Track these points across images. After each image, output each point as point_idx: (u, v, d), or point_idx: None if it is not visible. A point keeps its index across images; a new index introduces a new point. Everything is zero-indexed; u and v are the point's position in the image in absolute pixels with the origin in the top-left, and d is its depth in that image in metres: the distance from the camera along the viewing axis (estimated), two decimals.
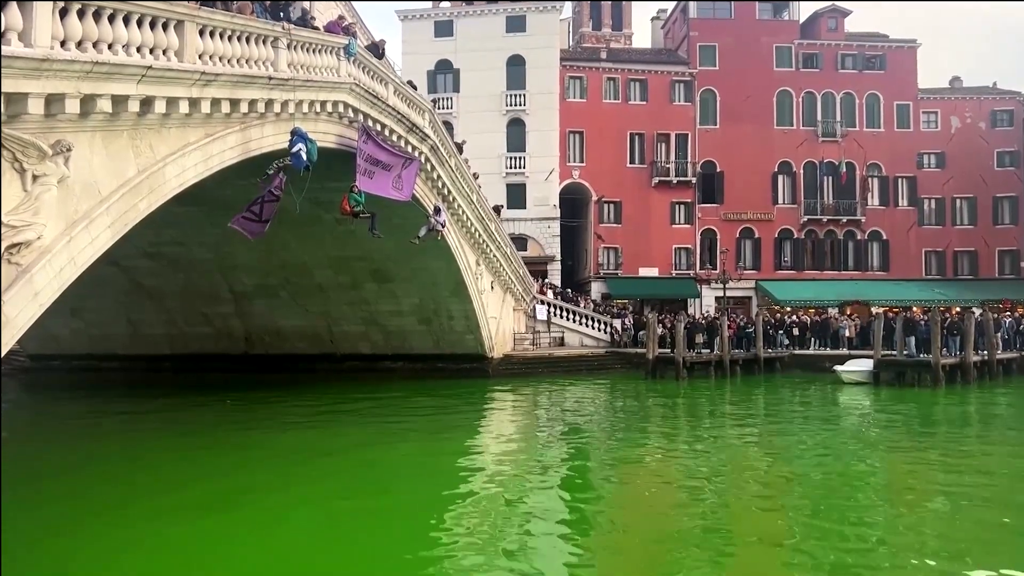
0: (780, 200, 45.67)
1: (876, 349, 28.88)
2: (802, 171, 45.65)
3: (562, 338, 36.18)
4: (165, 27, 9.75)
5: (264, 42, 12.43)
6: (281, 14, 14.04)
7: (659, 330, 31.92)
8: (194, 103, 10.44)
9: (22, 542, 9.32)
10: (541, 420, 21.59)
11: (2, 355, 7.67)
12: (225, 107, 11.21)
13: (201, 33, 10.55)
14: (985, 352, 28.80)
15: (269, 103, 12.47)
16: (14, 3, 7.36)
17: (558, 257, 44.34)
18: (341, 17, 18.32)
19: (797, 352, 33.40)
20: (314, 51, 14.16)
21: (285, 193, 13.32)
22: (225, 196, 13.91)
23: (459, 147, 26.03)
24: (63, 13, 8.02)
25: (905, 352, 28.36)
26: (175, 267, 25.79)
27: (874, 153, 45.77)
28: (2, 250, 7.55)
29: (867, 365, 28.54)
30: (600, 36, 52.13)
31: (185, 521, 10.60)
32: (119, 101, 8.93)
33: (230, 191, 13.40)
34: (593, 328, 36.65)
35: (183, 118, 10.39)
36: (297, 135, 12.81)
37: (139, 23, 9.19)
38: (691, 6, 45.95)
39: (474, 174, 28.09)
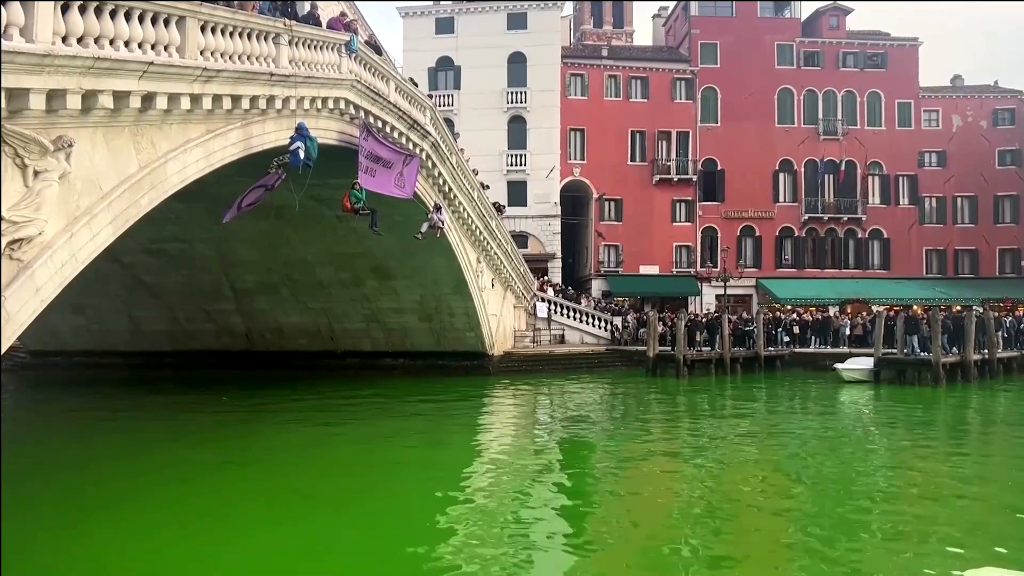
0: (781, 198, 45.63)
1: (877, 347, 28.88)
2: (803, 169, 45.61)
3: (563, 336, 36.18)
4: (167, 23, 9.72)
5: (265, 38, 12.41)
6: (289, 9, 14.03)
7: (660, 328, 31.92)
8: (196, 99, 10.43)
9: (20, 540, 9.31)
10: (541, 418, 21.59)
11: (3, 351, 7.66)
12: (227, 103, 11.19)
13: (203, 29, 10.53)
14: (986, 351, 28.79)
15: (270, 99, 12.45)
16: None
17: (559, 255, 44.32)
18: (343, 14, 18.28)
19: (798, 350, 33.39)
20: (315, 47, 14.14)
21: (286, 190, 13.30)
22: (226, 193, 13.89)
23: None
24: (64, 9, 8.00)
25: (906, 351, 28.35)
26: (176, 264, 25.79)
27: (875, 151, 45.72)
28: (3, 246, 7.54)
29: (868, 363, 28.54)
30: (601, 33, 52.09)
31: (182, 520, 10.60)
32: (120, 97, 8.92)
33: (231, 188, 13.38)
34: (594, 326, 36.65)
35: (185, 114, 10.37)
36: (300, 131, 12.79)
37: (140, 19, 9.16)
38: (692, 4, 45.83)
39: (474, 170, 28.05)
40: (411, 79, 21.73)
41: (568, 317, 36.51)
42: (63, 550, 9.42)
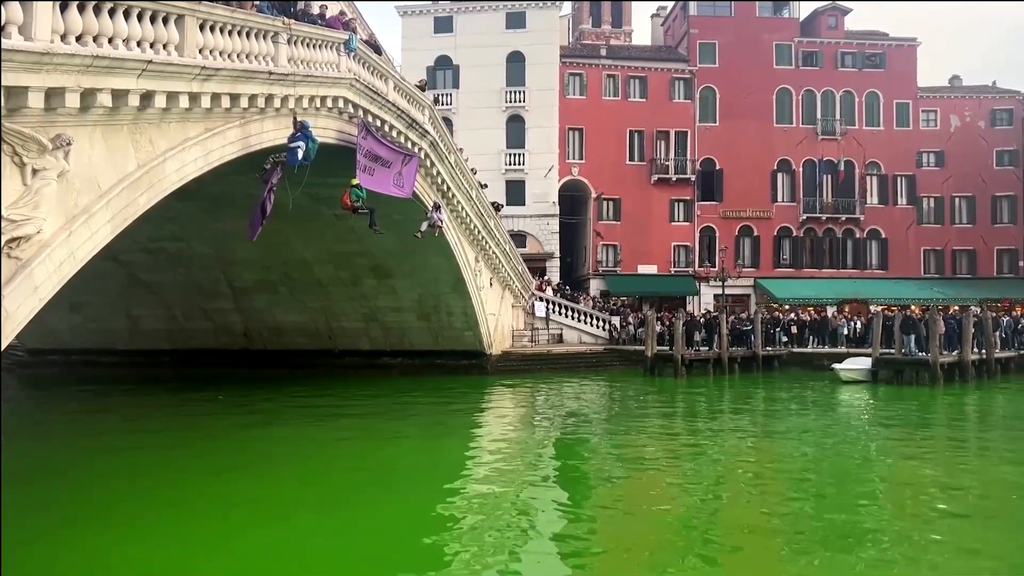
0: (779, 198, 45.66)
1: (874, 347, 28.92)
2: (801, 169, 45.63)
3: (561, 335, 36.19)
4: (165, 21, 9.72)
5: (264, 37, 12.41)
6: (293, 9, 14.02)
7: (658, 327, 31.95)
8: (194, 98, 10.42)
9: (20, 540, 9.30)
10: (539, 417, 21.58)
11: (1, 349, 7.65)
12: (225, 102, 11.19)
13: (201, 28, 10.52)
14: (984, 351, 28.84)
15: (269, 98, 12.44)
16: None
17: (557, 254, 44.32)
18: (342, 12, 18.29)
19: (796, 350, 33.43)
20: (314, 46, 14.13)
21: (281, 188, 13.30)
22: (224, 192, 13.91)
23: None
24: (63, 7, 8.00)
25: (903, 351, 28.39)
26: (175, 262, 25.77)
27: (873, 151, 45.77)
28: (2, 244, 7.53)
29: (865, 363, 28.58)
30: (600, 33, 52.06)
31: (181, 520, 10.60)
32: (119, 95, 8.91)
33: (229, 186, 13.40)
34: (592, 325, 36.66)
35: (183, 113, 10.37)
36: (304, 130, 12.77)
37: (139, 17, 9.16)
38: (691, 4, 45.82)
39: (472, 169, 28.05)
40: (420, 82, 21.69)
41: (566, 316, 36.52)
42: (63, 550, 9.41)
